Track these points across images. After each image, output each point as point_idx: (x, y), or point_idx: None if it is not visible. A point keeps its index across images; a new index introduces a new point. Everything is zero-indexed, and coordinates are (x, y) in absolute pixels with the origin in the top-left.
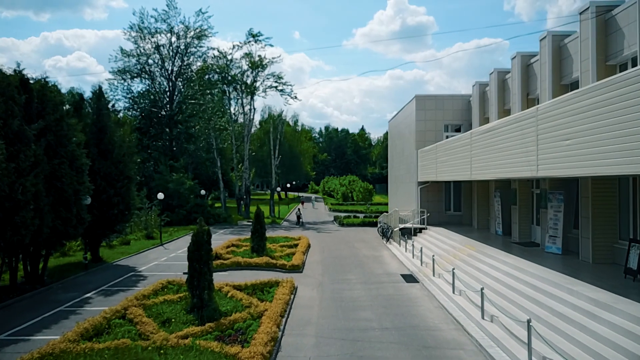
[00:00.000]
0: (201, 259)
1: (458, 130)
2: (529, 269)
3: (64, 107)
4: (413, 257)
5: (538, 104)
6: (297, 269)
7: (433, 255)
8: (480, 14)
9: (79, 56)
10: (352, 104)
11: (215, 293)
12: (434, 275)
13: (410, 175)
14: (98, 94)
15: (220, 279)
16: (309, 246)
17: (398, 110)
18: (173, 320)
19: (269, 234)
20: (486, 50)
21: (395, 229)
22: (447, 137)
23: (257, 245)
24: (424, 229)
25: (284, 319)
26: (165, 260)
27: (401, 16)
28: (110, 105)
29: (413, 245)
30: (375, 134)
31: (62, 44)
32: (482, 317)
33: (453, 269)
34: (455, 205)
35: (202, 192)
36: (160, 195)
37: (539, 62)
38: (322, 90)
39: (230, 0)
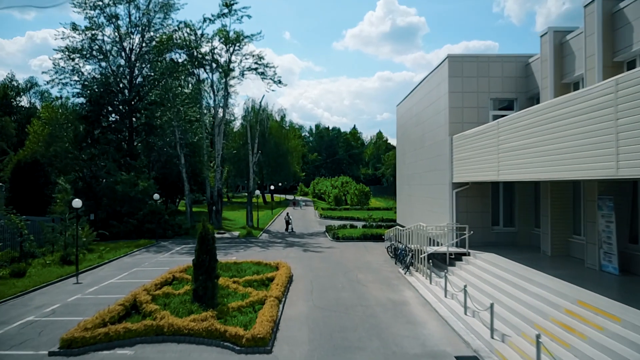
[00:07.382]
0: None
1: (508, 107)
2: None
3: None
4: (466, 313)
5: None
6: (263, 344)
7: (538, 337)
8: (469, 15)
9: None
10: (342, 105)
11: None
12: None
13: (438, 174)
14: None
15: None
16: (289, 281)
17: (413, 88)
18: None
19: (238, 253)
20: (477, 51)
21: (422, 255)
22: (494, 117)
23: (202, 289)
24: (463, 254)
25: None
26: (50, 313)
27: (391, 17)
28: (56, 90)
29: (466, 292)
30: (366, 135)
31: (48, 44)
32: None
33: None
34: (505, 217)
35: (156, 196)
36: (77, 203)
37: None
38: (312, 92)
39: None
